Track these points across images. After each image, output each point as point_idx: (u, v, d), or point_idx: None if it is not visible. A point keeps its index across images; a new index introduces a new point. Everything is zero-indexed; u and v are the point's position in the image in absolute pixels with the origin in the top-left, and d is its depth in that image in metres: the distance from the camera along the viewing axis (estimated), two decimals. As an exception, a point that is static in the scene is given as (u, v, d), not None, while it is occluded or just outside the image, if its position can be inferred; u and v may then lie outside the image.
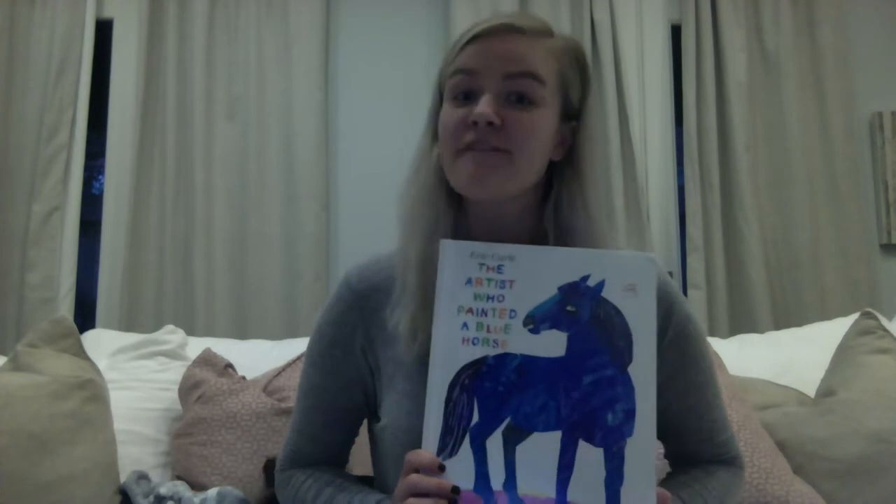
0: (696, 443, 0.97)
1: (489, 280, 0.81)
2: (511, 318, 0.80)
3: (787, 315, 2.41)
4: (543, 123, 0.87)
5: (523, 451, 0.76)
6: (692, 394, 0.95)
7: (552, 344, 0.79)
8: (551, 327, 0.79)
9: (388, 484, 0.91)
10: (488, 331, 0.79)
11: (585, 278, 0.80)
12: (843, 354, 1.55)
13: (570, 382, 0.78)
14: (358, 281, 0.97)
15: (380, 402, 0.94)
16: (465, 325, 0.80)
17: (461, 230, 0.91)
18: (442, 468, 0.75)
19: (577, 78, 0.91)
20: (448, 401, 0.78)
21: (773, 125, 2.51)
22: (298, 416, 1.01)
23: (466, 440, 0.77)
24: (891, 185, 2.54)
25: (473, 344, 0.79)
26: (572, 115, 0.91)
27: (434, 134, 0.92)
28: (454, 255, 0.82)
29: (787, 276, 2.46)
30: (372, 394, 0.97)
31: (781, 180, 2.49)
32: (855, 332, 1.56)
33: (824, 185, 2.48)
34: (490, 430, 0.77)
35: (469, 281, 0.81)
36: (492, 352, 0.79)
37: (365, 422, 1.01)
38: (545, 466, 0.76)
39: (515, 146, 0.84)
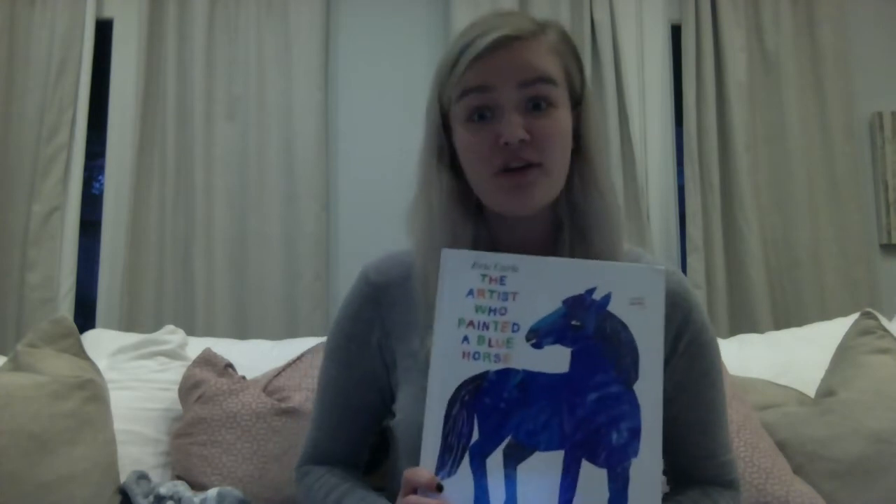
0: (696, 458, 0.95)
1: (492, 292, 0.77)
2: (514, 331, 0.76)
3: (787, 315, 2.41)
4: (564, 124, 0.87)
5: (525, 470, 0.74)
6: (701, 406, 0.93)
7: (556, 359, 0.76)
8: (555, 342, 0.76)
9: (400, 481, 0.91)
10: (490, 345, 0.76)
11: (591, 291, 0.77)
12: (843, 354, 1.54)
13: (573, 400, 0.75)
14: (375, 274, 0.97)
15: (395, 396, 0.94)
16: (465, 338, 0.77)
17: (481, 239, 0.90)
18: (440, 488, 0.73)
19: (575, 66, 0.91)
20: (447, 417, 0.75)
21: (773, 125, 2.51)
22: (316, 411, 1.01)
23: (466, 459, 0.74)
24: (891, 185, 2.53)
25: (474, 358, 0.76)
26: (576, 102, 0.91)
27: (439, 153, 0.91)
28: (455, 266, 0.79)
29: (787, 276, 2.45)
30: (387, 390, 0.96)
31: (781, 180, 2.49)
32: (855, 332, 1.56)
33: (824, 185, 2.48)
34: (490, 449, 0.74)
35: (470, 293, 0.77)
36: (493, 367, 0.76)
37: None
38: (547, 487, 0.73)
39: (547, 157, 0.85)
